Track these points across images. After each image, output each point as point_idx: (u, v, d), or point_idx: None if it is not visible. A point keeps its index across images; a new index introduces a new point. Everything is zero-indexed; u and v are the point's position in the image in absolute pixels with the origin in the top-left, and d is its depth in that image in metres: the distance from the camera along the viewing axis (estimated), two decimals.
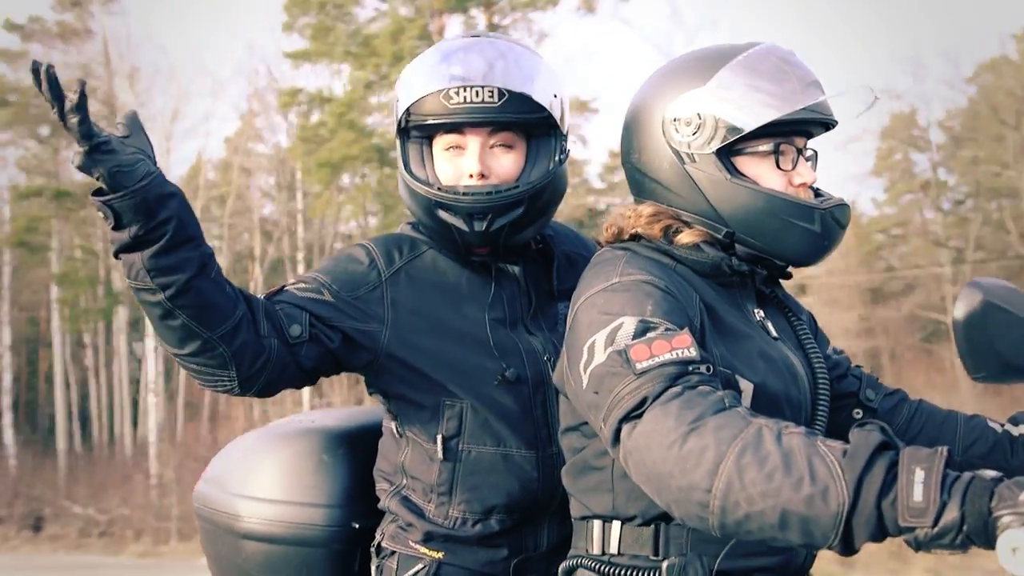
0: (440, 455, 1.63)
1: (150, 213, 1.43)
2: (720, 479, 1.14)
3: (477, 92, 1.59)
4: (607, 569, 1.43)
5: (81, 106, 1.37)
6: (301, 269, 20.31)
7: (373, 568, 1.71)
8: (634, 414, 1.25)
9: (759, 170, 1.48)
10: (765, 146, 1.47)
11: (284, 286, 1.66)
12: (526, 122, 1.63)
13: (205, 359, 1.52)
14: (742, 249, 1.49)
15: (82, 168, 1.42)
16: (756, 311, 1.54)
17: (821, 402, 1.52)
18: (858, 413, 1.69)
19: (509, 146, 1.65)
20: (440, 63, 1.63)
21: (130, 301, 20.03)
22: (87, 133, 1.38)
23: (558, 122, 1.67)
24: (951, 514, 1.00)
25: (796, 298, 1.69)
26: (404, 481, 1.69)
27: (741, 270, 1.50)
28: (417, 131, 1.65)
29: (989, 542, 0.99)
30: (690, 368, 1.26)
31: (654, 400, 1.23)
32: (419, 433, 1.65)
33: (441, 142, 1.64)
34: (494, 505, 1.64)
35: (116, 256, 1.49)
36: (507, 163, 1.64)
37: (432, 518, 1.65)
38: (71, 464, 21.47)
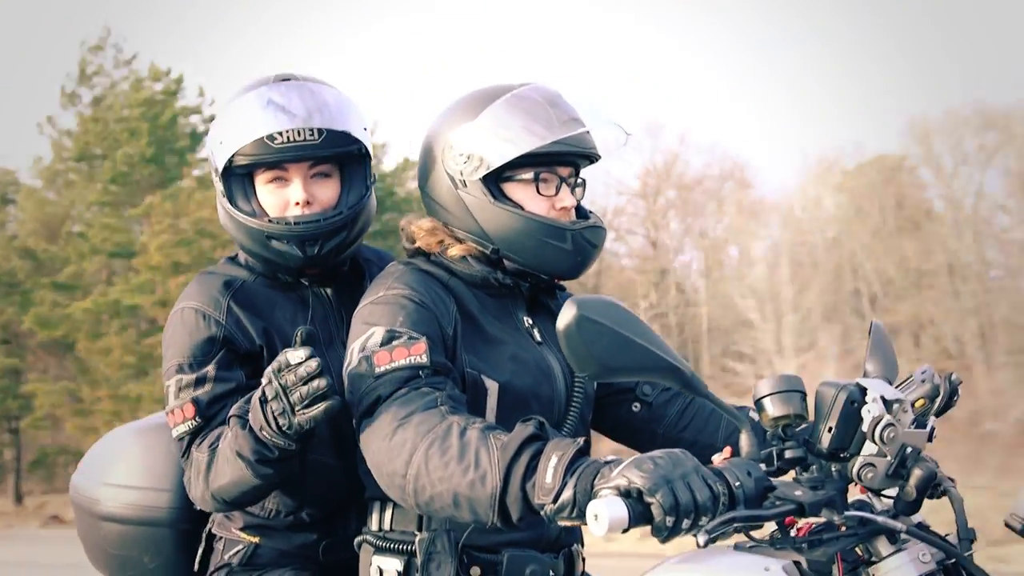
0: None
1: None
2: (412, 467, 1.36)
3: (299, 132, 1.77)
4: (382, 544, 1.65)
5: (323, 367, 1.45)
6: None
7: (203, 551, 1.92)
8: (370, 412, 1.48)
9: (523, 195, 1.69)
10: (527, 175, 1.69)
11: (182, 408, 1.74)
12: (342, 154, 1.83)
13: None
14: (510, 264, 1.71)
15: (305, 430, 1.49)
16: (525, 318, 1.76)
17: (575, 399, 1.74)
18: (636, 407, 1.90)
19: (327, 175, 1.84)
20: (262, 109, 1.79)
21: None
22: (332, 388, 1.46)
23: (369, 151, 1.88)
24: (568, 492, 1.21)
25: None
26: None
27: (506, 283, 1.72)
28: (240, 168, 1.82)
29: None
30: (421, 373, 1.49)
31: (384, 400, 1.46)
32: None
33: (263, 177, 1.82)
34: (304, 501, 1.82)
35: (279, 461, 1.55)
36: (327, 191, 1.84)
37: (250, 510, 1.83)
38: None
